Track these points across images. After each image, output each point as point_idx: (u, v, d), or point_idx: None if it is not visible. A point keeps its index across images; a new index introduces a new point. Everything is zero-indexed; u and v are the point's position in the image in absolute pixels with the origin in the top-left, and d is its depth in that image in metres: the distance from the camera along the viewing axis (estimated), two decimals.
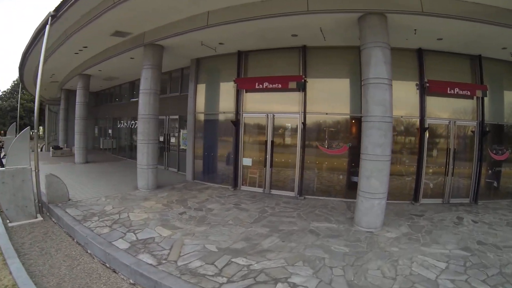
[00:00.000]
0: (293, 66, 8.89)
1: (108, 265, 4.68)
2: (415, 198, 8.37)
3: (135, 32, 9.39)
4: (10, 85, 51.50)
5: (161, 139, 14.17)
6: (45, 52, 12.00)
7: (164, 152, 14.06)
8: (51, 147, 19.94)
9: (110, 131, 20.91)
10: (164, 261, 4.48)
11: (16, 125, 17.99)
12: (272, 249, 5.04)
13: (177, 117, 13.23)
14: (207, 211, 7.16)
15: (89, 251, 5.16)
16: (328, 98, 8.65)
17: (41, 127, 34.47)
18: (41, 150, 23.28)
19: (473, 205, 8.34)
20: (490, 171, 9.03)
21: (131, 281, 4.24)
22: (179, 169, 12.81)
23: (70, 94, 20.08)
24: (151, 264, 4.36)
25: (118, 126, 19.37)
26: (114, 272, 4.51)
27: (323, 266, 4.42)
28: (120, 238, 5.35)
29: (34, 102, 30.71)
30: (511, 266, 4.75)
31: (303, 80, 8.46)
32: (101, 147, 21.69)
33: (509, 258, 4.99)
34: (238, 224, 6.31)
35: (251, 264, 4.44)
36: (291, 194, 8.89)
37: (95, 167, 13.89)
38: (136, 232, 5.65)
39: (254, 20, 7.12)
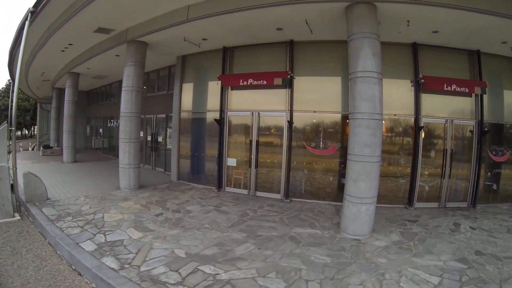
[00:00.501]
0: (280, 62, 8.41)
1: (74, 267, 4.36)
2: (409, 202, 7.85)
3: (118, 28, 9.06)
4: (5, 83, 51.50)
5: (149, 138, 13.84)
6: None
7: (152, 151, 13.63)
8: (41, 146, 19.71)
9: (101, 130, 20.53)
10: (127, 266, 4.15)
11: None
12: (245, 257, 4.56)
13: (164, 116, 12.78)
14: (185, 213, 6.74)
15: (58, 252, 4.87)
16: (317, 95, 8.16)
17: (35, 127, 34.51)
18: (33, 149, 23.09)
19: (471, 210, 7.82)
20: (489, 173, 8.53)
21: (94, 285, 3.92)
22: (166, 169, 12.38)
23: (62, 93, 19.62)
24: (113, 269, 4.06)
25: (109, 125, 19.00)
26: (79, 275, 4.18)
27: (298, 279, 3.91)
28: (88, 239, 5.08)
29: (28, 101, 30.67)
30: None
31: (289, 76, 7.97)
32: (93, 146, 21.35)
33: (511, 271, 4.49)
34: (214, 228, 5.85)
35: (218, 274, 3.99)
36: (277, 196, 8.39)
37: (82, 167, 13.56)
38: (106, 233, 5.37)
39: (235, 13, 6.69)
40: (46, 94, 23.73)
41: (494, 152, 8.38)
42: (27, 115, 44.84)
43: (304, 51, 8.21)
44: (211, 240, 5.18)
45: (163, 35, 8.33)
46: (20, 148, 21.67)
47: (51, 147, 18.86)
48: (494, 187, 8.61)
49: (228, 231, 5.69)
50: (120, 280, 3.75)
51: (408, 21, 6.42)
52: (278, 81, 7.99)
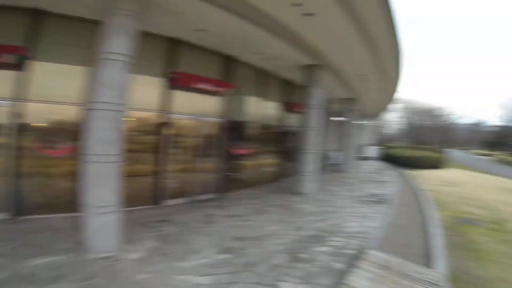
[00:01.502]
0: (18, 35, 5.77)
1: None
2: (160, 201, 7.47)
3: None
4: None
5: None
6: None
7: None
8: None
9: None
10: None
11: None
12: None
13: None
14: None
15: None
16: (60, 83, 6.19)
17: None
18: None
19: (219, 199, 8.39)
20: (233, 165, 9.55)
21: None
22: None
23: None
24: None
25: None
26: None
27: None
28: None
29: None
30: (279, 255, 4.72)
31: (25, 54, 5.63)
32: None
33: (272, 246, 5.00)
34: None
35: None
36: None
37: None
38: None
39: None
40: None
41: (236, 146, 9.44)
42: None
43: (52, 25, 6.08)
44: None
45: None
46: None
47: None
48: (237, 176, 9.77)
49: None
50: None
51: (177, 13, 5.99)
52: (9, 58, 5.48)
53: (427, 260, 5.04)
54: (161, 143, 7.45)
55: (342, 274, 4.26)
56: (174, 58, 7.59)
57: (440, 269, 4.65)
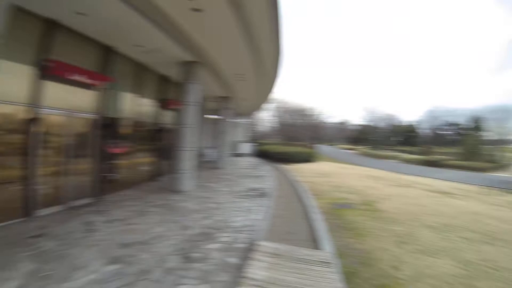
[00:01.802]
0: None
1: None
2: (31, 211, 6.33)
3: None
4: None
5: None
6: None
7: None
8: None
9: None
10: None
11: None
12: None
13: None
14: None
15: None
16: None
17: None
18: None
19: (100, 204, 7.69)
20: (110, 165, 8.80)
21: None
22: None
23: None
24: None
25: None
26: None
27: None
28: None
29: None
30: (171, 258, 4.64)
31: None
32: None
33: (162, 249, 4.86)
34: None
35: None
36: None
37: None
38: None
39: None
40: None
41: (113, 145, 8.69)
42: None
43: None
44: None
45: None
46: None
47: None
48: (115, 177, 9.03)
49: None
50: None
51: None
52: None
53: (314, 243, 5.74)
54: (29, 143, 6.27)
55: (238, 268, 4.46)
56: (48, 43, 6.49)
57: (327, 249, 5.35)
